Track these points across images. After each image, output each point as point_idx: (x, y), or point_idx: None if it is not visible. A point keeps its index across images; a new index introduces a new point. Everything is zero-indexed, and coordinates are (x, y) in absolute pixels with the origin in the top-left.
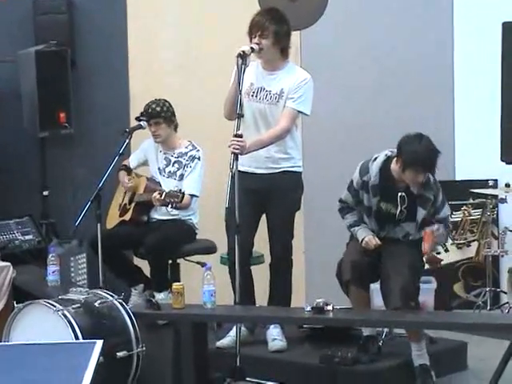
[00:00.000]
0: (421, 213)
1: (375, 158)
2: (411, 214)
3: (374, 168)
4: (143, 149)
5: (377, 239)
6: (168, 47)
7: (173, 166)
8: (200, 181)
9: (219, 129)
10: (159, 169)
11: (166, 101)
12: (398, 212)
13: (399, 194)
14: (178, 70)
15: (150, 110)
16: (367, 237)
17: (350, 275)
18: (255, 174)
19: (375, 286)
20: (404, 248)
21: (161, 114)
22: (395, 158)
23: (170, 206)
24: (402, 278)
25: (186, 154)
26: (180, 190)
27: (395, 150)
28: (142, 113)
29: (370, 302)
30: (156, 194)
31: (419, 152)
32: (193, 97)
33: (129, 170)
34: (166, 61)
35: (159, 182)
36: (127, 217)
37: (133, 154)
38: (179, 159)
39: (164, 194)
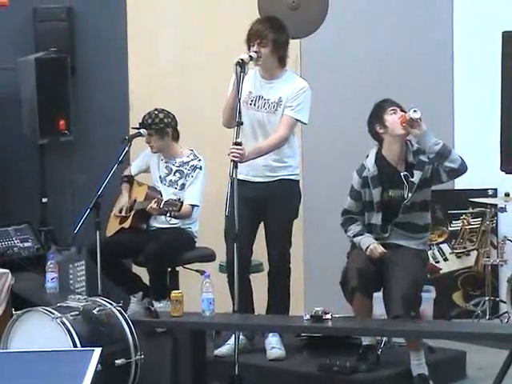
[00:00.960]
0: (417, 175)
1: (367, 156)
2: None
3: (369, 161)
4: (145, 156)
5: (381, 247)
6: (169, 45)
7: (174, 175)
8: (201, 190)
9: (219, 132)
10: (160, 177)
11: (160, 112)
12: (407, 191)
13: (402, 174)
14: (180, 68)
15: (143, 121)
16: (372, 245)
17: (357, 283)
18: (253, 182)
19: (376, 295)
20: (407, 258)
21: (151, 126)
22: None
23: (168, 214)
24: (404, 286)
25: (188, 163)
26: (179, 198)
27: None
28: (139, 124)
29: (372, 311)
30: (152, 204)
31: (380, 100)
32: (192, 100)
33: (131, 180)
34: (167, 59)
35: (160, 192)
36: (126, 224)
37: (134, 162)
38: (181, 168)
39: (162, 202)
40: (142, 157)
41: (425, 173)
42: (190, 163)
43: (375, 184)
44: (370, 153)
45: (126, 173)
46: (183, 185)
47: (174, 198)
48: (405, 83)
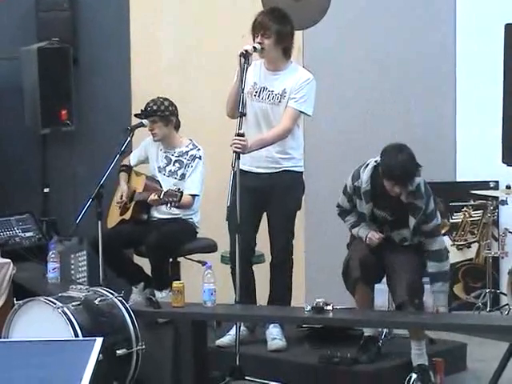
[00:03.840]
0: (412, 220)
1: (366, 165)
2: (404, 220)
3: (365, 175)
4: (144, 146)
5: (379, 233)
6: (170, 44)
7: (173, 165)
8: (201, 180)
9: (221, 127)
10: (159, 167)
11: (165, 100)
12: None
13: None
14: (180, 68)
15: (147, 108)
16: (370, 233)
17: (360, 273)
18: (256, 173)
19: (377, 286)
20: (406, 248)
21: (157, 113)
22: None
23: (168, 205)
24: (408, 274)
25: (187, 153)
26: (179, 189)
27: None
28: (141, 110)
29: (373, 301)
30: (152, 196)
31: (394, 166)
32: (195, 94)
33: (129, 170)
34: (167, 58)
35: (159, 181)
36: (127, 215)
37: (133, 152)
38: (180, 158)
39: (162, 193)
40: (140, 147)
41: (418, 220)
42: (190, 153)
43: (367, 199)
44: (369, 164)
45: (125, 162)
46: (183, 175)
47: (174, 188)
48: (405, 83)
